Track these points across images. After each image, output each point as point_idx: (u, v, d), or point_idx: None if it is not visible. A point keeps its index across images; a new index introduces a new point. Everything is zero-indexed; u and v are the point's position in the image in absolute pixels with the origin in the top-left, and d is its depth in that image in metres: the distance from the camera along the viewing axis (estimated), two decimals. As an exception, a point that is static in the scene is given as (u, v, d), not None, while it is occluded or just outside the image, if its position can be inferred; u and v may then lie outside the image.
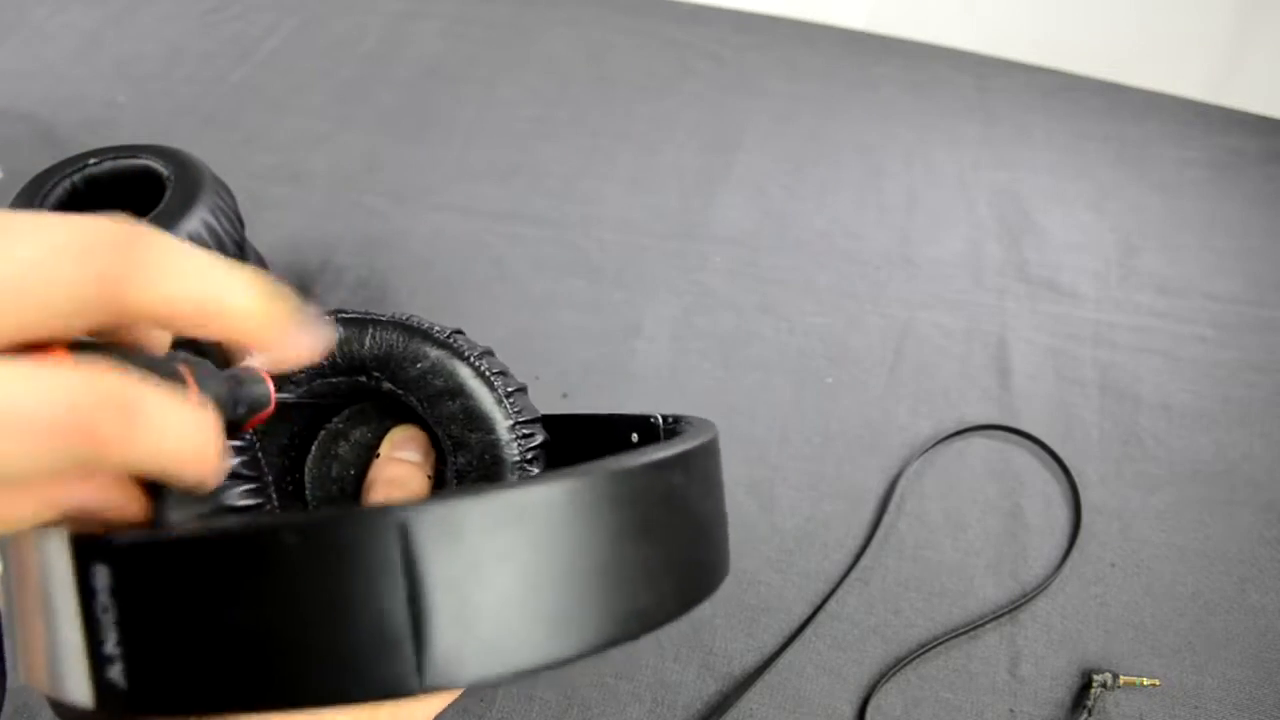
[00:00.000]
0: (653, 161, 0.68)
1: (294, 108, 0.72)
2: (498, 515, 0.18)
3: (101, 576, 0.17)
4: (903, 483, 0.48)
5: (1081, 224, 0.64)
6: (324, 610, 0.17)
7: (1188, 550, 0.46)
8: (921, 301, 0.58)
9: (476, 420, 0.32)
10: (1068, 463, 0.49)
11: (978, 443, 0.51)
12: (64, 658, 0.18)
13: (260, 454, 0.29)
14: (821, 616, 0.43)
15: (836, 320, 0.57)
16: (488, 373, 0.32)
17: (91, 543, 0.17)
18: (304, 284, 0.58)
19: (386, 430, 0.35)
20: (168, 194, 0.46)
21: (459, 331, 0.33)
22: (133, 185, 0.49)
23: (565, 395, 0.52)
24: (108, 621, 0.17)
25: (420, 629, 0.17)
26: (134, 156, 0.49)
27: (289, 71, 0.75)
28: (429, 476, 0.34)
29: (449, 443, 0.32)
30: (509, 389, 0.32)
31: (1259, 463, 0.50)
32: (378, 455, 0.34)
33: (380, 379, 0.32)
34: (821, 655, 0.42)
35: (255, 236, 0.55)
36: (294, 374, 0.32)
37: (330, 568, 0.17)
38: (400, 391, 0.32)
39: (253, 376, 0.23)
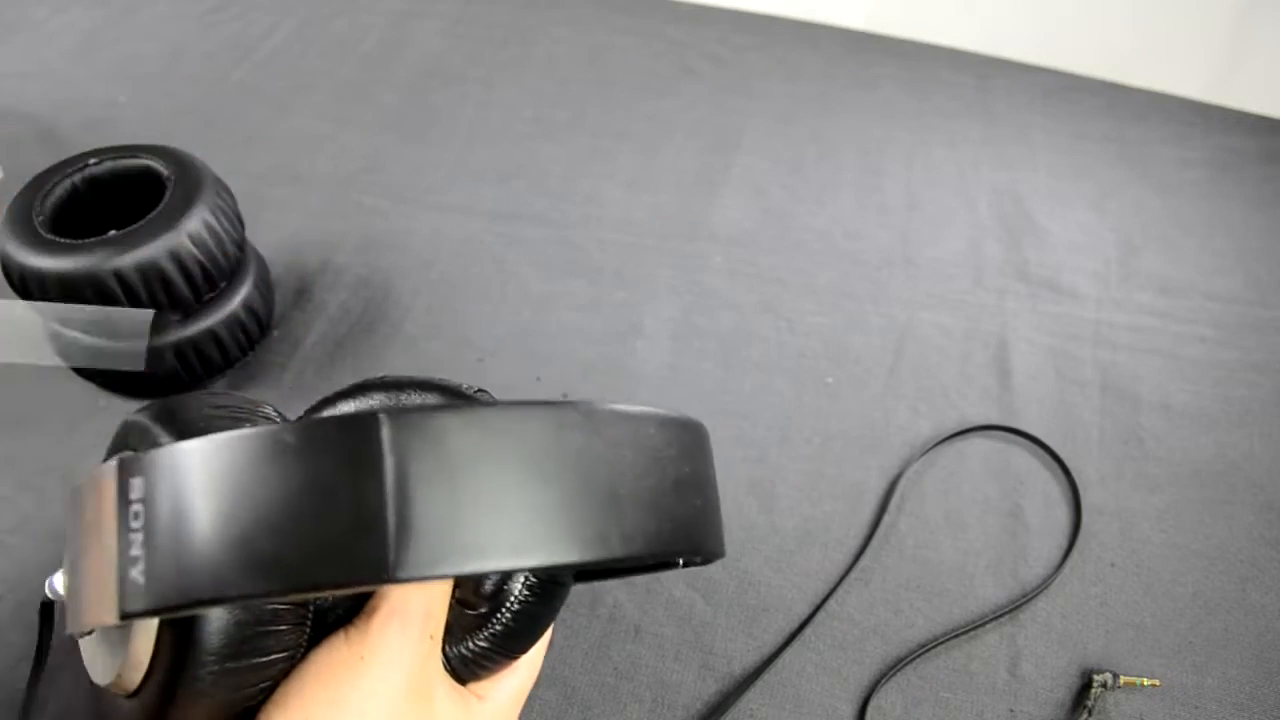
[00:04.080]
0: (653, 161, 0.68)
1: (294, 108, 0.72)
2: (474, 426, 0.20)
3: (137, 488, 0.20)
4: (903, 483, 0.48)
5: (1081, 224, 0.64)
6: (313, 502, 0.19)
7: (1188, 550, 0.46)
8: (921, 301, 0.58)
9: None
10: (1068, 463, 0.49)
11: (978, 443, 0.51)
12: (101, 577, 0.20)
13: None
14: (821, 616, 0.43)
15: (836, 320, 0.57)
16: None
17: (131, 460, 0.20)
18: (304, 284, 0.58)
19: None
20: (168, 194, 0.47)
21: (484, 390, 0.35)
22: (133, 185, 0.49)
23: (566, 395, 0.52)
24: (136, 527, 0.20)
25: (401, 521, 0.18)
26: (134, 156, 0.49)
27: (289, 71, 0.75)
28: None
29: None
30: None
31: (1259, 463, 0.50)
32: None
33: None
34: (821, 655, 0.42)
35: (255, 236, 0.55)
36: None
37: (319, 463, 0.19)
38: None
39: None
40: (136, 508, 0.20)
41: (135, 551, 0.19)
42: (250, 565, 0.18)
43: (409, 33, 0.80)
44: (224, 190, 0.49)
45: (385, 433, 0.19)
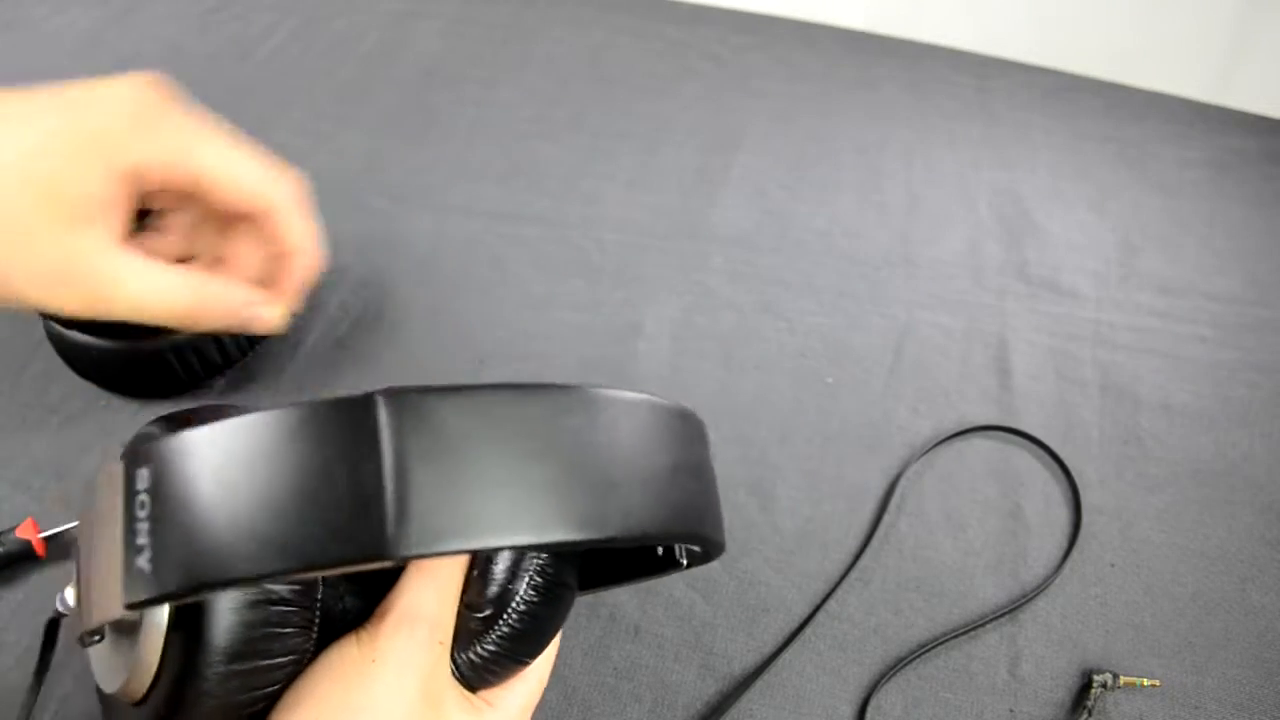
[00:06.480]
0: (653, 161, 0.68)
1: (294, 107, 0.72)
2: (471, 407, 0.20)
3: (143, 478, 0.20)
4: (903, 483, 0.48)
5: (1081, 224, 0.64)
6: (313, 483, 0.19)
7: (1188, 550, 0.46)
8: (921, 301, 0.58)
9: None
10: (1068, 463, 0.49)
11: (978, 443, 0.51)
12: (109, 569, 0.20)
13: None
14: (821, 616, 0.43)
15: (836, 320, 0.57)
16: None
17: (138, 451, 0.20)
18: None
19: None
20: (168, 194, 0.46)
21: None
22: (133, 185, 0.49)
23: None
24: (142, 516, 0.20)
25: (400, 500, 0.19)
26: (134, 156, 0.49)
27: (289, 71, 0.75)
28: None
29: None
30: None
31: (1259, 463, 0.50)
32: None
33: None
34: (821, 655, 0.42)
35: (255, 236, 0.55)
36: None
37: (319, 444, 0.19)
38: None
39: None
40: (143, 498, 0.20)
41: (141, 540, 0.20)
42: (253, 547, 0.19)
43: (409, 33, 0.80)
44: (224, 190, 0.49)
45: (383, 413, 0.19)
